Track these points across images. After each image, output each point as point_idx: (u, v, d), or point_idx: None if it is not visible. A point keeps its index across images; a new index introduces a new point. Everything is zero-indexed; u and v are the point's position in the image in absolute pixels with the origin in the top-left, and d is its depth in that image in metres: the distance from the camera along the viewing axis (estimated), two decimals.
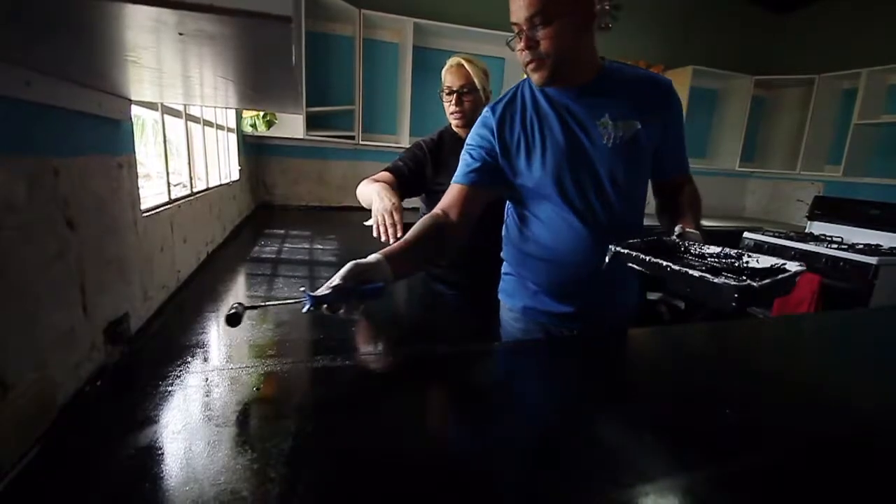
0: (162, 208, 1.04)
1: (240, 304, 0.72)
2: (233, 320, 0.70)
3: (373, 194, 1.33)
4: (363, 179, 1.48)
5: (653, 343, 0.99)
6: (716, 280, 0.64)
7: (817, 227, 3.20)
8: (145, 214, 0.92)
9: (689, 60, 3.46)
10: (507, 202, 1.14)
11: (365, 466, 0.51)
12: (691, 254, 0.83)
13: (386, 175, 1.47)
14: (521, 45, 0.90)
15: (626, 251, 0.79)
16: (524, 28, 0.88)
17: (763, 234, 3.02)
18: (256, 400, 0.63)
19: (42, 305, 0.55)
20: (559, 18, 0.86)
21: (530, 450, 0.58)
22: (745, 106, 3.60)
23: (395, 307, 1.20)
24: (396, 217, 1.26)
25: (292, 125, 2.55)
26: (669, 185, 1.09)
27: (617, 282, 1.08)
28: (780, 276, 0.68)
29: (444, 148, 1.49)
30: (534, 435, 0.61)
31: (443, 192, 1.05)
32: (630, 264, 0.78)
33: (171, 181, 1.20)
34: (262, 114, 2.37)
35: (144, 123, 1.32)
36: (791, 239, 2.89)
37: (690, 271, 0.68)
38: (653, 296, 3.37)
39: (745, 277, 0.68)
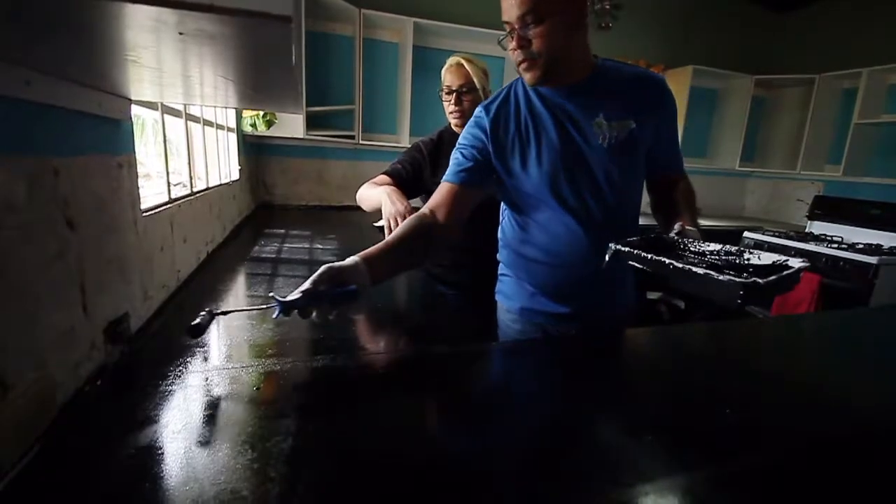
0: (162, 208, 1.04)
1: (208, 311, 0.71)
2: (196, 331, 0.68)
3: (382, 198, 1.33)
4: (363, 183, 1.49)
5: (653, 343, 0.99)
6: (721, 277, 0.64)
7: (817, 227, 3.20)
8: (145, 214, 0.92)
9: (689, 60, 3.46)
10: (502, 204, 1.13)
11: (365, 466, 0.51)
12: (691, 251, 0.83)
13: (384, 179, 1.48)
14: (513, 44, 0.89)
15: (626, 249, 0.79)
16: (516, 27, 0.87)
17: (763, 234, 3.02)
18: (256, 400, 0.63)
19: (42, 305, 0.55)
20: (551, 17, 0.85)
21: (530, 449, 0.58)
22: (745, 106, 3.60)
23: (396, 307, 1.20)
24: (409, 216, 1.28)
25: (292, 125, 2.55)
26: (664, 182, 1.08)
27: (615, 281, 1.08)
28: (784, 273, 0.68)
29: (443, 148, 1.49)
30: (534, 435, 0.61)
31: None
32: (631, 263, 0.78)
33: (171, 181, 1.20)
34: (261, 113, 2.37)
35: (144, 123, 1.32)
36: (791, 238, 2.90)
37: (695, 269, 0.68)
38: (653, 295, 3.37)
39: (747, 274, 0.68)
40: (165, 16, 0.30)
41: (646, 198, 1.09)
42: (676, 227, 0.88)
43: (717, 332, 1.11)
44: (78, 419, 0.57)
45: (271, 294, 0.72)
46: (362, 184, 1.50)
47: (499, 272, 1.18)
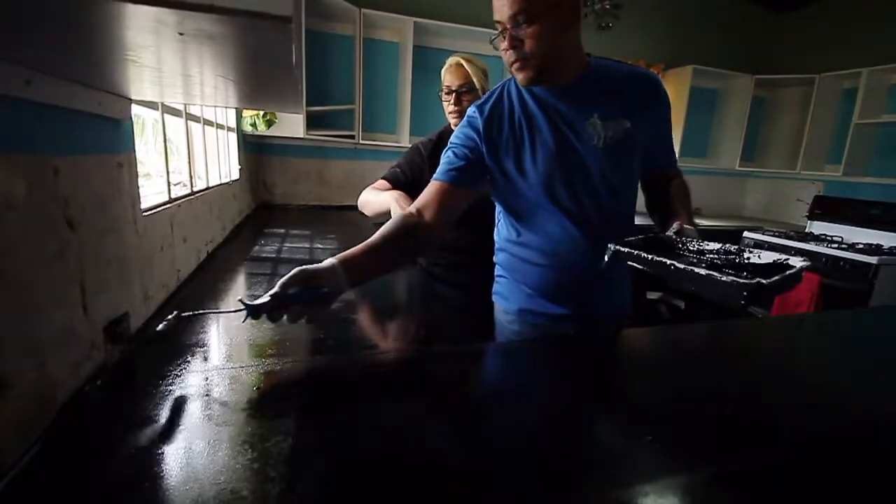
0: (162, 207, 1.04)
1: (176, 313, 0.71)
2: (162, 336, 0.67)
3: (390, 203, 1.34)
4: (363, 184, 1.49)
5: (653, 343, 0.99)
6: (725, 278, 0.64)
7: (817, 227, 3.20)
8: (145, 214, 0.92)
9: (689, 60, 3.46)
10: (497, 205, 1.12)
11: (365, 466, 0.51)
12: (690, 251, 0.83)
13: (384, 184, 1.48)
14: (505, 44, 0.88)
15: (626, 250, 0.78)
16: (508, 27, 0.86)
17: (763, 234, 3.02)
18: (256, 400, 0.63)
19: (42, 304, 0.55)
20: (543, 17, 0.84)
21: (529, 449, 0.58)
22: (745, 106, 3.60)
23: (395, 307, 1.20)
24: None
25: (292, 124, 2.55)
26: (659, 179, 1.08)
27: (612, 281, 1.07)
28: (787, 273, 0.68)
29: (442, 148, 1.49)
30: (533, 434, 0.61)
31: None
32: (631, 263, 0.77)
33: (171, 180, 1.20)
34: (262, 113, 2.37)
35: (144, 122, 1.32)
36: (791, 238, 2.90)
37: (697, 270, 0.67)
38: (653, 295, 3.37)
39: (747, 273, 0.68)
40: (165, 16, 0.30)
41: (640, 196, 1.09)
42: (675, 226, 0.88)
43: (717, 332, 1.11)
44: (78, 419, 0.57)
45: (239, 298, 0.71)
46: (363, 184, 1.51)
47: (496, 273, 1.17)
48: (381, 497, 0.46)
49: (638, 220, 1.10)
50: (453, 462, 0.54)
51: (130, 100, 0.83)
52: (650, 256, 0.73)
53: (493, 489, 0.49)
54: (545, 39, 0.86)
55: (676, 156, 1.12)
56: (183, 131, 1.46)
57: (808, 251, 2.68)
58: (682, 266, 0.69)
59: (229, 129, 2.20)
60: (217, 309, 0.73)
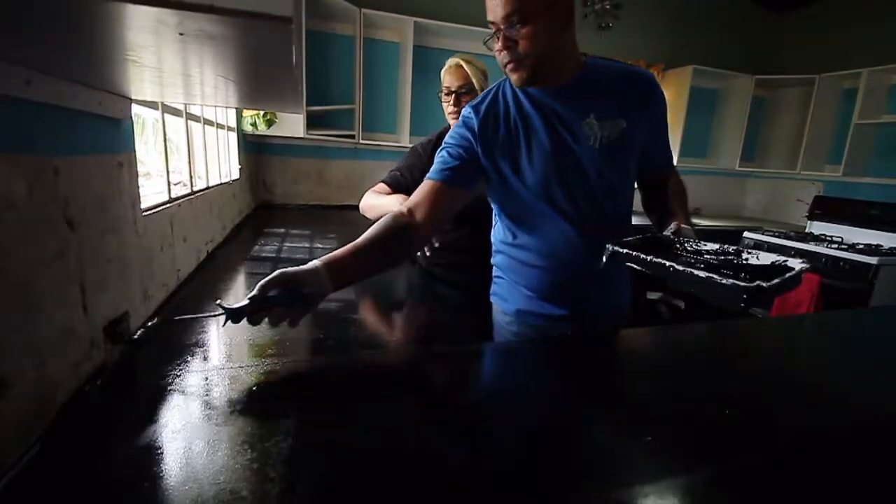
0: (162, 207, 1.04)
1: (157, 319, 0.71)
2: (135, 343, 0.67)
3: (394, 207, 1.34)
4: (361, 182, 1.49)
5: (652, 343, 0.99)
6: (724, 281, 0.64)
7: (817, 227, 3.20)
8: (145, 213, 0.92)
9: (689, 60, 3.46)
10: (494, 207, 1.11)
11: (365, 466, 0.51)
12: (688, 251, 0.82)
13: (384, 188, 1.49)
14: (499, 45, 0.87)
15: (624, 251, 0.78)
16: (501, 27, 0.85)
17: (763, 234, 3.02)
18: (256, 399, 0.63)
19: (42, 304, 0.55)
20: (537, 17, 0.83)
21: (529, 449, 0.58)
22: (745, 106, 3.60)
23: (395, 307, 1.20)
24: None
25: (292, 124, 2.55)
26: (655, 178, 1.08)
27: (610, 281, 1.07)
28: (787, 275, 0.67)
29: None
30: (533, 434, 0.61)
31: None
32: (630, 264, 0.77)
33: (171, 180, 1.20)
34: (262, 113, 2.37)
35: (145, 122, 1.32)
36: (791, 239, 2.90)
37: (696, 272, 0.67)
38: (653, 295, 3.37)
39: (745, 275, 0.68)
40: (166, 16, 0.30)
41: (638, 195, 1.09)
42: (672, 226, 0.88)
43: (717, 332, 1.11)
44: (78, 418, 0.57)
45: (217, 301, 0.71)
46: (363, 184, 1.51)
47: (493, 274, 1.17)
48: (381, 497, 0.46)
49: (635, 220, 1.09)
50: (453, 462, 0.54)
51: (131, 99, 0.83)
52: (649, 258, 0.73)
53: (493, 489, 0.49)
54: (539, 40, 0.85)
55: (673, 154, 1.11)
56: (183, 131, 1.46)
57: (808, 251, 2.68)
58: (681, 268, 0.69)
59: (229, 128, 2.20)
60: (203, 313, 0.73)
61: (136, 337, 0.68)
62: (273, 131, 2.51)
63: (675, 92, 3.56)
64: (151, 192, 1.12)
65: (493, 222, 1.14)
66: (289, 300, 0.73)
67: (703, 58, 3.48)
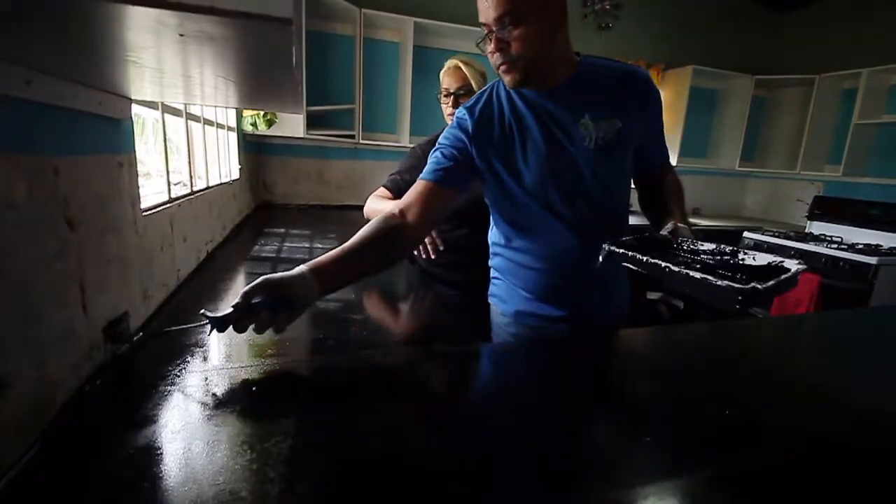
0: (162, 207, 1.04)
1: (141, 334, 0.71)
2: (128, 356, 0.67)
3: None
4: (360, 183, 1.50)
5: (652, 343, 0.99)
6: (720, 283, 0.64)
7: (817, 227, 3.20)
8: (145, 213, 0.92)
9: (689, 60, 3.46)
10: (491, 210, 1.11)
11: (365, 466, 0.51)
12: (685, 250, 0.82)
13: (385, 192, 1.49)
14: (491, 46, 0.86)
15: (620, 251, 0.78)
16: (493, 29, 0.84)
17: (763, 234, 3.03)
18: (256, 400, 0.63)
19: (42, 304, 0.55)
20: (530, 19, 0.82)
21: (529, 450, 0.58)
22: (745, 106, 3.60)
23: (395, 307, 1.20)
24: (435, 234, 1.34)
25: (293, 124, 2.55)
26: (652, 177, 1.08)
27: (609, 281, 1.07)
28: (783, 277, 0.67)
29: None
30: (533, 435, 0.61)
31: None
32: (626, 264, 0.77)
33: (171, 180, 1.20)
34: (262, 113, 2.37)
35: (145, 122, 1.32)
36: (791, 239, 2.90)
37: (691, 273, 0.67)
38: (653, 295, 3.37)
39: (742, 275, 0.68)
40: (166, 17, 0.30)
41: (635, 194, 1.08)
42: (669, 225, 0.88)
43: (717, 332, 1.11)
44: (77, 419, 0.57)
45: (202, 311, 0.70)
46: (363, 184, 1.51)
47: (491, 275, 1.17)
48: (381, 497, 0.46)
49: (633, 220, 1.09)
50: (453, 462, 0.54)
51: (131, 100, 0.83)
52: (645, 258, 0.73)
53: (493, 489, 0.49)
54: (532, 41, 0.84)
55: (670, 153, 1.11)
56: (183, 131, 1.46)
57: (807, 251, 2.69)
58: (676, 269, 0.69)
59: (229, 128, 2.20)
60: (192, 323, 0.73)
61: (120, 352, 0.69)
62: (273, 131, 2.51)
63: (674, 92, 3.56)
64: (151, 192, 1.12)
65: (491, 224, 1.14)
66: (274, 306, 0.72)
67: (702, 58, 3.48)
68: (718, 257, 0.78)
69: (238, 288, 1.20)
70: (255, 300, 0.71)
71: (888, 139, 3.13)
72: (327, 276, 0.79)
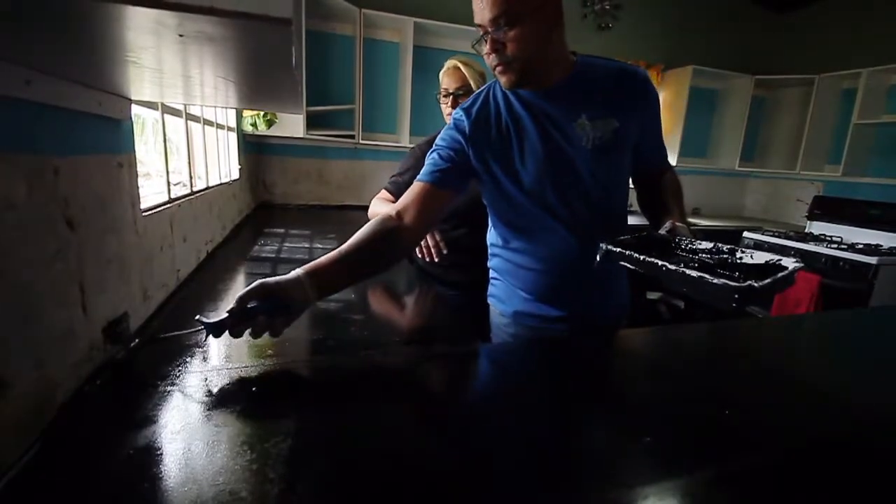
0: (162, 207, 1.04)
1: (138, 340, 0.71)
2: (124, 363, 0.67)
3: None
4: (363, 189, 1.50)
5: (652, 343, 0.99)
6: (716, 281, 0.64)
7: (817, 227, 3.20)
8: (145, 214, 0.92)
9: (689, 60, 3.46)
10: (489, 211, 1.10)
11: (364, 466, 0.51)
12: (683, 249, 0.82)
13: (388, 195, 1.49)
14: (487, 48, 0.86)
15: (618, 250, 0.78)
16: (489, 30, 0.84)
17: (763, 234, 3.03)
18: (256, 400, 0.63)
19: (41, 304, 0.55)
20: (525, 19, 0.82)
21: (529, 450, 0.58)
22: (745, 106, 3.60)
23: (395, 307, 1.20)
24: (438, 237, 1.34)
25: (292, 124, 2.55)
26: (650, 176, 1.07)
27: (608, 281, 1.07)
28: (780, 275, 0.67)
29: None
30: (533, 435, 0.61)
31: None
32: (623, 263, 0.77)
33: (171, 180, 1.20)
34: (262, 113, 2.37)
35: (144, 122, 1.32)
36: (791, 239, 2.90)
37: (688, 271, 0.67)
38: (653, 295, 3.38)
39: (739, 274, 0.68)
40: (165, 18, 0.30)
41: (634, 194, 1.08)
42: (667, 224, 0.88)
43: (717, 332, 1.11)
44: (77, 419, 0.57)
45: (197, 317, 0.70)
46: (363, 184, 1.51)
47: (490, 276, 1.17)
48: (381, 497, 0.46)
49: (633, 220, 1.09)
50: (453, 462, 0.54)
51: (130, 100, 0.83)
52: (642, 257, 0.73)
53: (493, 489, 0.49)
54: (528, 42, 0.84)
55: (668, 152, 1.11)
56: (183, 131, 1.46)
57: (807, 251, 2.69)
58: (673, 267, 0.69)
59: (229, 129, 2.20)
60: (183, 330, 0.73)
61: (116, 359, 0.69)
62: (273, 131, 2.51)
63: (674, 92, 3.56)
64: (151, 193, 1.12)
65: (489, 225, 1.14)
66: (269, 311, 0.72)
67: (702, 58, 3.48)
68: (716, 256, 0.78)
69: (238, 288, 1.20)
70: (251, 305, 0.71)
71: (888, 139, 3.12)
72: (324, 280, 0.79)
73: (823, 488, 0.53)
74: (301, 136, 2.57)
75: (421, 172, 0.98)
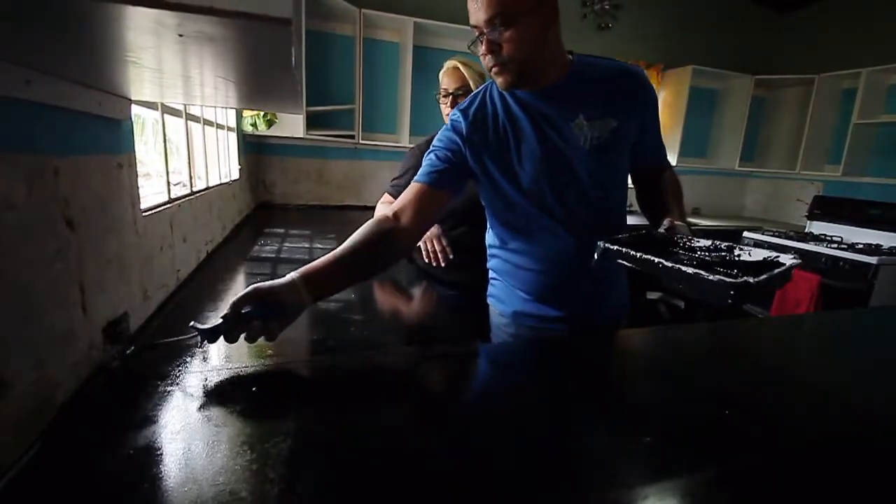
0: (162, 207, 1.04)
1: (133, 348, 0.72)
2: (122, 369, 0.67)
3: None
4: (367, 196, 1.50)
5: (652, 343, 0.99)
6: (711, 277, 0.63)
7: (817, 227, 3.20)
8: (145, 214, 0.92)
9: (689, 60, 3.46)
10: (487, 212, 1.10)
11: (364, 466, 0.51)
12: (681, 247, 0.82)
13: (390, 199, 1.49)
14: (483, 48, 0.86)
15: (615, 248, 0.78)
16: (484, 31, 0.84)
17: (763, 234, 3.03)
18: (256, 400, 0.63)
19: (41, 305, 0.55)
20: (520, 20, 0.81)
21: (529, 450, 0.58)
22: (745, 106, 3.60)
23: (395, 307, 1.20)
24: (445, 241, 1.38)
25: (292, 124, 2.55)
26: (649, 175, 1.07)
27: (608, 281, 1.07)
28: (776, 271, 0.67)
29: None
30: (533, 435, 0.61)
31: None
32: (620, 261, 0.77)
33: (171, 180, 1.20)
34: (262, 113, 2.37)
35: (144, 122, 1.32)
36: (791, 238, 2.90)
37: (684, 268, 0.67)
38: (653, 295, 3.38)
39: (737, 271, 0.67)
40: (165, 18, 0.30)
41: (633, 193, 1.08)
42: (665, 223, 0.88)
43: (717, 332, 1.11)
44: (77, 419, 0.57)
45: (192, 323, 0.70)
46: (362, 184, 1.52)
47: (489, 276, 1.17)
48: (381, 497, 0.46)
49: (632, 220, 1.09)
50: (453, 462, 0.54)
51: (130, 100, 0.83)
52: (638, 254, 0.73)
53: (492, 489, 0.49)
54: (523, 43, 0.83)
55: (667, 151, 1.11)
56: (183, 131, 1.46)
57: (807, 251, 2.69)
58: (669, 264, 0.68)
59: (229, 129, 2.20)
60: (176, 337, 0.73)
61: (112, 367, 0.69)
62: (273, 131, 2.51)
63: (674, 92, 3.56)
64: (151, 193, 1.12)
65: (488, 226, 1.14)
66: (264, 315, 0.72)
67: (702, 58, 3.48)
68: (714, 254, 0.77)
69: (238, 288, 1.20)
70: (245, 310, 0.71)
71: (888, 139, 3.13)
72: (319, 283, 0.78)
73: (823, 488, 0.53)
74: (301, 136, 2.58)
75: (418, 173, 0.98)
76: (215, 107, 1.82)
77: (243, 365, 0.73)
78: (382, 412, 0.64)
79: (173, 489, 0.45)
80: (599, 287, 1.06)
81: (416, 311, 1.19)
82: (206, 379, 0.67)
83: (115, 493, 0.45)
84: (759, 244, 2.93)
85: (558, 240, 0.99)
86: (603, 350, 0.94)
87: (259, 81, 0.65)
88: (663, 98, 3.59)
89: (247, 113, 2.39)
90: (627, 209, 1.09)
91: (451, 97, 1.45)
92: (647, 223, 1.05)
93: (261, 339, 0.73)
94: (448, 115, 1.45)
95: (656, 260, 0.70)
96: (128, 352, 0.72)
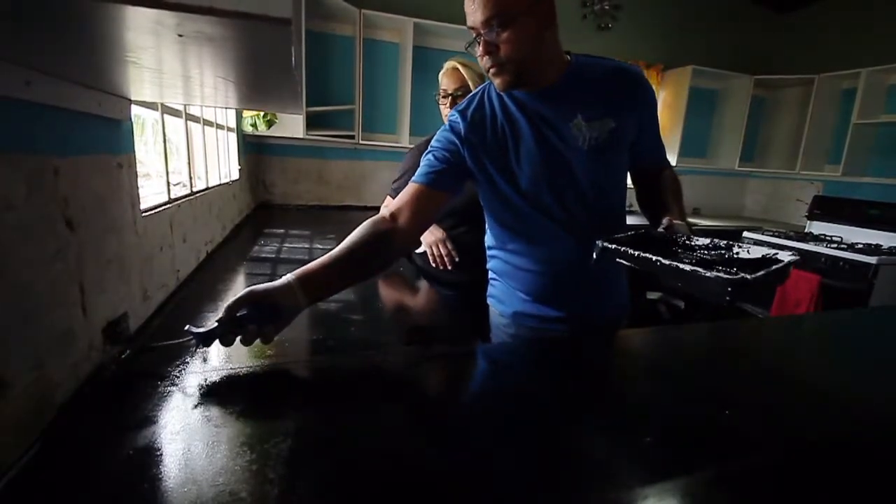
0: (162, 208, 1.04)
1: (129, 351, 0.72)
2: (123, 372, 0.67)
3: None
4: (367, 196, 1.50)
5: (652, 343, 0.99)
6: (709, 274, 0.63)
7: (817, 227, 3.20)
8: (145, 214, 0.92)
9: (689, 60, 3.46)
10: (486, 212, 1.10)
11: (364, 467, 0.51)
12: (680, 246, 0.82)
13: (391, 201, 1.50)
14: (480, 50, 0.86)
15: (613, 247, 0.78)
16: (482, 32, 0.84)
17: (763, 234, 3.03)
18: (255, 400, 0.63)
19: (41, 305, 0.55)
20: (517, 20, 0.81)
21: (529, 450, 0.58)
22: (745, 106, 3.60)
23: (395, 307, 1.20)
24: (450, 245, 1.41)
25: (292, 124, 2.55)
26: (648, 175, 1.07)
27: (608, 281, 1.07)
28: (773, 268, 0.67)
29: None
30: (533, 435, 0.61)
31: None
32: (619, 260, 0.77)
33: (170, 181, 1.20)
34: (262, 113, 2.37)
35: (144, 123, 1.32)
36: (791, 238, 2.90)
37: (681, 265, 0.67)
38: (653, 295, 3.38)
39: (736, 269, 0.67)
40: (165, 18, 0.30)
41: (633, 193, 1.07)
42: (664, 222, 0.88)
43: (717, 332, 1.11)
44: (77, 419, 0.57)
45: (187, 327, 0.70)
46: (362, 184, 1.52)
47: (490, 276, 1.17)
48: (380, 497, 0.46)
49: (632, 220, 1.09)
50: (453, 462, 0.54)
51: (130, 100, 0.83)
52: (636, 253, 0.73)
53: (492, 489, 0.49)
54: (521, 43, 0.83)
55: (666, 150, 1.10)
56: (183, 131, 1.46)
57: (807, 251, 2.68)
58: (667, 262, 0.68)
59: (229, 129, 2.20)
60: (172, 340, 0.73)
61: (108, 372, 0.69)
62: (273, 132, 2.52)
63: (674, 92, 3.56)
64: (151, 193, 1.12)
65: (487, 227, 1.14)
66: (260, 318, 0.71)
67: (702, 58, 3.48)
68: (713, 252, 0.77)
69: (238, 288, 1.20)
70: (241, 313, 0.71)
71: (887, 139, 3.13)
72: (315, 285, 0.78)
73: (823, 488, 0.53)
74: (301, 136, 2.58)
75: (416, 174, 0.97)
76: (215, 107, 1.82)
77: (243, 365, 0.73)
78: (382, 412, 0.64)
79: (173, 490, 0.45)
80: (599, 287, 1.06)
81: (416, 311, 1.19)
82: (206, 379, 0.67)
83: (114, 494, 0.45)
84: (759, 244, 2.92)
85: (557, 240, 0.98)
86: (603, 350, 0.94)
87: (259, 81, 0.65)
88: (663, 98, 3.59)
89: (247, 113, 2.39)
90: (627, 209, 1.08)
91: (450, 98, 1.45)
92: (646, 223, 1.05)
93: (257, 342, 0.73)
94: (447, 115, 1.45)
95: (654, 258, 0.70)
96: (123, 356, 0.72)
